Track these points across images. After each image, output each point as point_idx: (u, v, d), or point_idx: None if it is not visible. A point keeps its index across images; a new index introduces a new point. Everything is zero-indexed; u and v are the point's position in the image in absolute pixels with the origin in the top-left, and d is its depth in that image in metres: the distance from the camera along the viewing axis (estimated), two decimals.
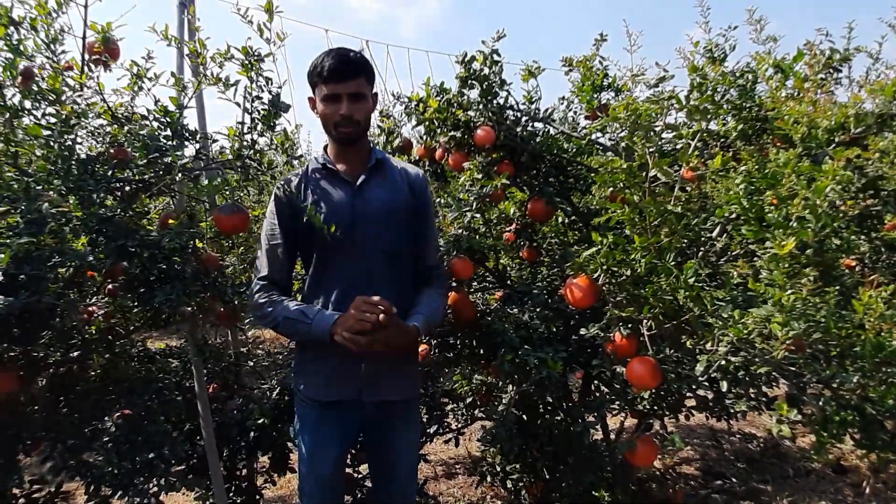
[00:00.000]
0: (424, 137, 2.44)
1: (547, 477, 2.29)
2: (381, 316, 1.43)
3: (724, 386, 1.39)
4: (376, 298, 1.47)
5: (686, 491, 2.93)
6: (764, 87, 2.18)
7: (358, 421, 1.70)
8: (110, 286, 1.96)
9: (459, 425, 2.81)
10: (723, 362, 1.40)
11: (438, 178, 2.69)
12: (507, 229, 2.46)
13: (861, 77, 3.08)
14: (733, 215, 1.67)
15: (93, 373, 1.97)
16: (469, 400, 2.69)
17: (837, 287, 1.71)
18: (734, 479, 3.10)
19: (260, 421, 2.29)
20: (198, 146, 1.68)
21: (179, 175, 1.65)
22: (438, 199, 2.73)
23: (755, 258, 1.60)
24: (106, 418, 1.86)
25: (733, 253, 1.89)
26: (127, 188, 1.79)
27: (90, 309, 1.99)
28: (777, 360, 1.31)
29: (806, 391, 1.51)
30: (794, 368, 1.38)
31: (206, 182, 1.78)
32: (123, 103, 1.74)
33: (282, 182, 1.66)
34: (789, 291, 1.24)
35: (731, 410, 1.78)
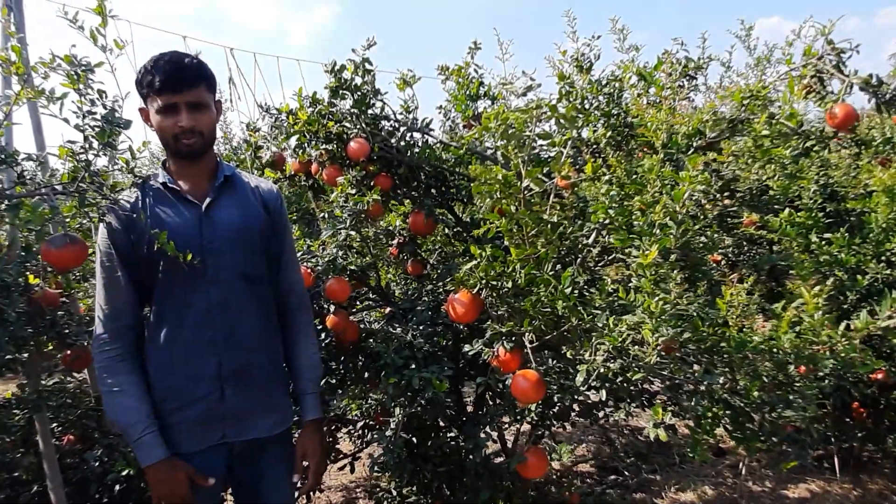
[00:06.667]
0: (297, 151, 2.31)
1: (446, 495, 2.23)
2: None
3: (603, 395, 1.38)
4: None
5: (583, 489, 2.98)
6: (630, 94, 2.26)
7: (224, 464, 1.53)
8: None
9: (354, 449, 2.69)
10: (601, 370, 1.40)
11: (317, 194, 2.56)
12: (392, 244, 2.38)
13: (716, 84, 3.32)
14: (607, 221, 1.69)
15: None
16: (361, 423, 2.58)
17: (706, 282, 1.79)
18: (627, 473, 3.20)
19: (125, 472, 2.04)
20: (20, 169, 1.46)
21: None
22: (323, 214, 2.60)
23: (627, 262, 1.63)
24: None
25: (609, 258, 1.92)
26: None
27: None
28: (650, 365, 1.32)
29: (681, 389, 1.55)
30: (665, 372, 1.40)
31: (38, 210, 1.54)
32: None
33: (111, 205, 1.43)
34: (657, 297, 1.25)
35: (611, 418, 1.80)
